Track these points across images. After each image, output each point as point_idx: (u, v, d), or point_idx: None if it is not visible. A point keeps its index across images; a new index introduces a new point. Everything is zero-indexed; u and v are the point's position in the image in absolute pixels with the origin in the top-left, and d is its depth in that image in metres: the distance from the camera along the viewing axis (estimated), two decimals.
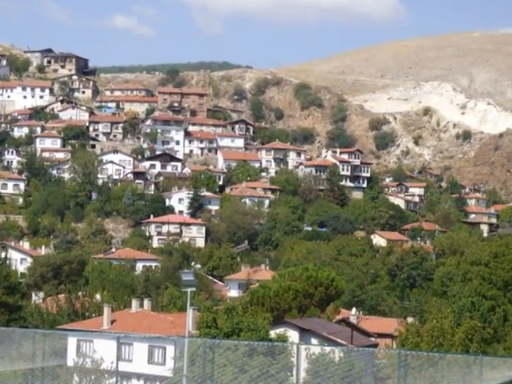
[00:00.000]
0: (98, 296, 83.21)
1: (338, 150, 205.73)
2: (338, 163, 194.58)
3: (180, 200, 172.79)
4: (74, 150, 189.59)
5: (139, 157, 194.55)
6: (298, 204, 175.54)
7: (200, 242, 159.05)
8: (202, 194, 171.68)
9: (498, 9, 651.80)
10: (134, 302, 66.95)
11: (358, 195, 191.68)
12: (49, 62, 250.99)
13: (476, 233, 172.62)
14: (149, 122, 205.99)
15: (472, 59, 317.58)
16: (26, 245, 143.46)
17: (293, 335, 55.89)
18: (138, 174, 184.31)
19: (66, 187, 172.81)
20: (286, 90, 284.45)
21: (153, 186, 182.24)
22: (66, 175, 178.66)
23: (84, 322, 65.76)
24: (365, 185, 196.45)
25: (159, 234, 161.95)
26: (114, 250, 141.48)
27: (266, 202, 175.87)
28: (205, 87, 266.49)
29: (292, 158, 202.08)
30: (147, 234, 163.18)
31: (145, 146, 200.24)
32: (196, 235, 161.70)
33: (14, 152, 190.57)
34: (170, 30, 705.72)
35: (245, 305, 56.78)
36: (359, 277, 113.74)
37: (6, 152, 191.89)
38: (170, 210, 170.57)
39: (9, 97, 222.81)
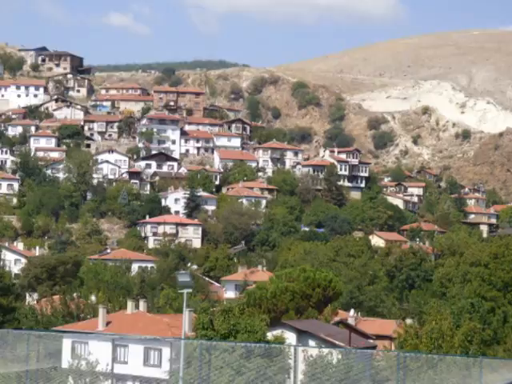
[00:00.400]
0: (93, 297, 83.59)
1: (335, 150, 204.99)
2: (335, 163, 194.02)
3: (176, 200, 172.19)
4: (69, 150, 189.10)
5: (135, 156, 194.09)
6: (296, 204, 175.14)
7: (196, 243, 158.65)
8: (199, 194, 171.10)
9: (498, 7, 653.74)
10: (130, 304, 66.99)
11: (356, 195, 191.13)
12: (43, 60, 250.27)
13: (475, 233, 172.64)
14: (144, 121, 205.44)
15: (472, 58, 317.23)
16: (20, 245, 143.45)
17: (290, 337, 55.58)
18: (134, 174, 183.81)
19: (61, 187, 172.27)
20: (284, 89, 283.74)
21: (148, 186, 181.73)
22: (61, 175, 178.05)
23: (79, 324, 66.27)
24: (363, 185, 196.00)
25: (155, 234, 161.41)
26: (109, 250, 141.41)
27: (263, 202, 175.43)
28: (201, 86, 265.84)
29: (289, 158, 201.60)
30: (143, 234, 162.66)
31: (140, 145, 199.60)
32: (192, 236, 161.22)
33: (8, 151, 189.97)
34: (166, 29, 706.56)
35: (242, 306, 56.01)
36: (357, 278, 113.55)
37: None
38: (166, 210, 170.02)
39: (3, 96, 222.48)
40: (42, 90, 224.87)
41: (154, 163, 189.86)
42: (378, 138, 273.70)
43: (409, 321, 73.41)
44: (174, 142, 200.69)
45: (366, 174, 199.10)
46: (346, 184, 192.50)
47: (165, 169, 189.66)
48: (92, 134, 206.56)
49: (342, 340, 58.28)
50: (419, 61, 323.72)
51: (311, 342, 56.27)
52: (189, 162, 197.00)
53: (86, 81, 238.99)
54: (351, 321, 76.35)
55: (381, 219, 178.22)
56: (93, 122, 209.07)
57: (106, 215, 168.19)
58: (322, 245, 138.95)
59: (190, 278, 36.83)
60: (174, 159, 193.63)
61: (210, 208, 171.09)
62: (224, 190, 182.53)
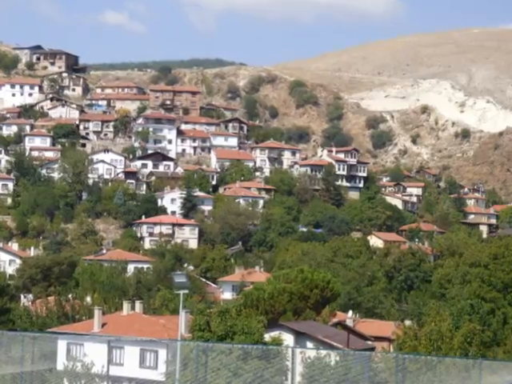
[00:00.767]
0: (88, 298, 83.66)
1: (333, 149, 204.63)
2: (333, 162, 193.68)
3: (172, 200, 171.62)
4: (64, 149, 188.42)
5: (131, 156, 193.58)
6: (293, 204, 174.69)
7: (193, 243, 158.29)
8: (195, 194, 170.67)
9: (498, 5, 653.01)
10: (126, 305, 66.88)
11: (354, 195, 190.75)
12: (38, 58, 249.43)
13: (475, 234, 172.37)
14: (140, 120, 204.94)
15: (471, 56, 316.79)
16: (14, 246, 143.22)
17: (288, 338, 55.65)
18: (130, 174, 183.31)
19: (56, 187, 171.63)
20: (281, 88, 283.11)
21: (144, 186, 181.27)
22: (56, 175, 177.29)
23: (74, 325, 66.12)
24: (361, 185, 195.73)
25: (151, 234, 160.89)
26: (104, 251, 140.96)
27: (261, 202, 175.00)
28: (198, 85, 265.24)
29: (287, 158, 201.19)
30: (139, 234, 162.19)
31: (136, 144, 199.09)
32: (189, 236, 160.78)
33: (3, 151, 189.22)
34: (162, 27, 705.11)
35: (239, 307, 56.02)
36: (356, 279, 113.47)
37: None
38: (162, 210, 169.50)
39: None
40: (36, 88, 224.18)
41: (150, 163, 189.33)
42: (376, 138, 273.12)
43: (408, 322, 73.58)
44: (170, 142, 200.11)
45: (365, 174, 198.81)
46: (344, 184, 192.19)
47: (161, 168, 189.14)
48: (87, 134, 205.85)
49: (340, 342, 58.21)
50: (418, 59, 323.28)
51: (309, 344, 56.20)
52: (185, 161, 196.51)
53: (82, 79, 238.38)
54: (349, 322, 76.12)
55: (379, 219, 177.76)
56: (88, 121, 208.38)
57: (101, 215, 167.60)
58: (319, 245, 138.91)
59: (187, 279, 37.15)
60: (171, 159, 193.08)
61: (207, 208, 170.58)
62: (221, 190, 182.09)
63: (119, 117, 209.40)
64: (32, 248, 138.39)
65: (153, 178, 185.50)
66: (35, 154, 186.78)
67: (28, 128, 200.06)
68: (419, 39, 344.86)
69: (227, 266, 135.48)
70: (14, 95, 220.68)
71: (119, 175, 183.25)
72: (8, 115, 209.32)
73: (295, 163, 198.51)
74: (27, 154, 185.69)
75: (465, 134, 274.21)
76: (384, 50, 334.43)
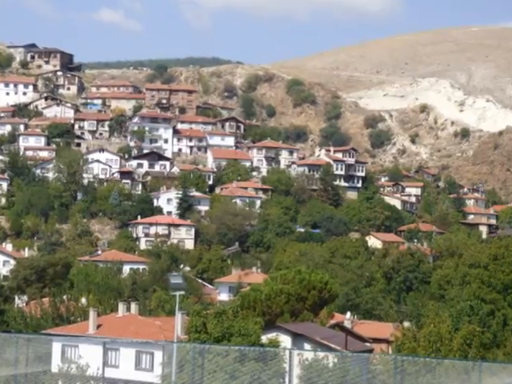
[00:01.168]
0: (83, 300, 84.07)
1: (331, 149, 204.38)
2: (331, 162, 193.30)
3: (168, 200, 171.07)
4: (59, 149, 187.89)
5: (126, 156, 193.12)
6: (291, 204, 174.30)
7: (189, 244, 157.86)
8: (191, 194, 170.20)
9: (498, 3, 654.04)
10: (121, 306, 66.94)
11: (352, 195, 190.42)
12: (32, 57, 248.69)
13: (475, 234, 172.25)
14: (136, 119, 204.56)
15: (471, 55, 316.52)
16: (8, 246, 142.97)
17: (285, 340, 55.45)
18: (125, 174, 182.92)
19: (51, 187, 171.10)
20: (278, 87, 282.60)
21: (140, 186, 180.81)
22: (51, 174, 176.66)
23: (69, 327, 66.17)
24: (359, 184, 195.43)
25: (147, 235, 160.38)
26: (100, 252, 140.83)
27: (258, 202, 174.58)
28: (194, 84, 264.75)
29: (284, 157, 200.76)
30: (134, 235, 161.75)
31: (132, 144, 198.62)
32: (185, 237, 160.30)
33: None
34: (158, 25, 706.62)
35: (235, 309, 56.19)
36: (354, 280, 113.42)
37: None
38: (158, 210, 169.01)
39: None
40: (31, 87, 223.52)
41: (145, 163, 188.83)
42: (374, 137, 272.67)
43: (406, 324, 73.56)
44: (166, 141, 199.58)
45: (363, 174, 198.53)
46: (342, 184, 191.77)
47: (157, 168, 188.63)
48: (82, 133, 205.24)
49: (338, 343, 57.95)
50: (417, 58, 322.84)
51: (307, 346, 55.90)
52: (181, 161, 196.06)
53: (77, 78, 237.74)
54: (347, 324, 76.11)
55: (378, 220, 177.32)
56: (83, 120, 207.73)
57: (96, 216, 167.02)
58: (317, 246, 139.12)
59: (183, 280, 37.15)
60: (167, 158, 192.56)
61: (203, 208, 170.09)
62: (217, 190, 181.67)
63: (114, 116, 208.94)
64: (26, 249, 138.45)
65: (148, 177, 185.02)
66: (29, 153, 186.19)
67: (22, 127, 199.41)
68: (418, 37, 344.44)
69: (224, 267, 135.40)
70: (8, 94, 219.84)
71: (114, 175, 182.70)
72: (2, 114, 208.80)
73: (293, 163, 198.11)
74: (21, 153, 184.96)
75: (464, 134, 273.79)
76: (382, 48, 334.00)
